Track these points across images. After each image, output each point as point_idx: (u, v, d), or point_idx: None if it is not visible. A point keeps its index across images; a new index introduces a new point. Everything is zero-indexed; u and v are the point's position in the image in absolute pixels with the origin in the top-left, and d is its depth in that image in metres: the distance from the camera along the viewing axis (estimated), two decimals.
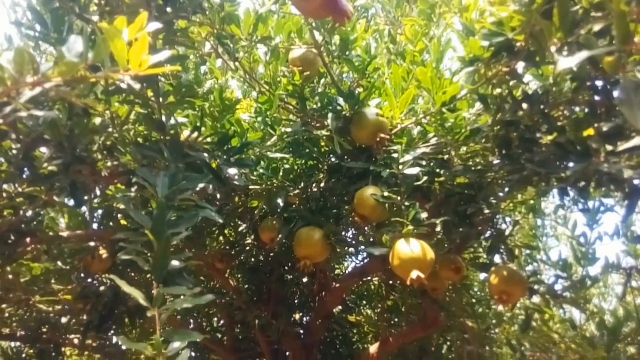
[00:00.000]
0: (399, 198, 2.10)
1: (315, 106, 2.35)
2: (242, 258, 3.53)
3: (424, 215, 2.07)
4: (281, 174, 2.52)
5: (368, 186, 2.18)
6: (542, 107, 1.78)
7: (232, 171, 1.97)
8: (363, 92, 2.26)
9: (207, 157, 1.95)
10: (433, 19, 2.33)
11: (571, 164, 1.52)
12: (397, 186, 2.15)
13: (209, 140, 2.08)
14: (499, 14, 1.58)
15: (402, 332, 3.59)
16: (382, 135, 2.22)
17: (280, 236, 2.39)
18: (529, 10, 1.42)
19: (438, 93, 1.93)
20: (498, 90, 1.97)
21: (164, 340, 1.27)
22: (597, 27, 1.15)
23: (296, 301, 3.77)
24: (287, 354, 3.62)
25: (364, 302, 3.93)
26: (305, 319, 3.82)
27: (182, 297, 1.36)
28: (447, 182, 2.36)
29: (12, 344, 3.88)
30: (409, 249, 1.93)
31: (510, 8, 1.52)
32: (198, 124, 2.06)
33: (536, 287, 2.31)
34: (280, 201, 2.42)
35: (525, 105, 1.71)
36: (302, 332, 3.70)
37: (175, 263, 1.48)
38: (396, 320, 3.79)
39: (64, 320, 3.02)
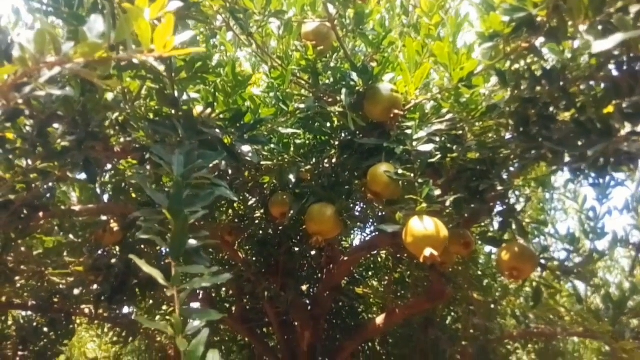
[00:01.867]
0: (412, 175, 2.09)
1: (327, 81, 2.32)
2: (251, 231, 3.54)
3: (437, 192, 2.07)
4: (292, 149, 2.51)
5: (381, 163, 2.17)
6: (561, 83, 1.75)
7: (245, 148, 1.96)
8: (377, 66, 2.23)
9: (220, 133, 1.94)
10: None
11: (591, 143, 1.50)
12: (410, 163, 2.14)
13: (221, 116, 2.07)
14: None
15: (408, 303, 3.64)
16: (396, 111, 2.20)
17: (291, 212, 2.39)
18: None
19: (455, 69, 1.90)
20: (515, 66, 1.94)
21: (183, 319, 1.28)
22: (634, 9, 1.11)
23: (304, 273, 3.81)
24: (295, 324, 3.68)
25: (371, 274, 3.96)
26: (312, 291, 3.86)
27: (200, 276, 1.36)
28: (460, 157, 2.35)
29: (24, 313, 3.95)
30: (422, 226, 1.93)
31: None
32: (210, 100, 2.04)
33: (546, 262, 2.31)
34: (292, 177, 2.41)
35: (543, 82, 1.68)
36: (309, 303, 3.74)
37: (192, 242, 1.48)
38: (402, 292, 3.83)
39: (75, 292, 3.06)
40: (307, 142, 2.53)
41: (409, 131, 2.21)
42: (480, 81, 1.99)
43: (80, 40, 0.98)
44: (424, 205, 1.97)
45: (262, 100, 2.32)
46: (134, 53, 0.94)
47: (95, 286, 2.95)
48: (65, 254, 2.81)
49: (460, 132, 2.15)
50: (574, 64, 1.83)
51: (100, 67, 0.98)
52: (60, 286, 3.02)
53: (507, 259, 2.21)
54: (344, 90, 2.14)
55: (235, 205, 3.31)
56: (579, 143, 1.65)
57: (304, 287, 3.91)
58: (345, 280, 3.88)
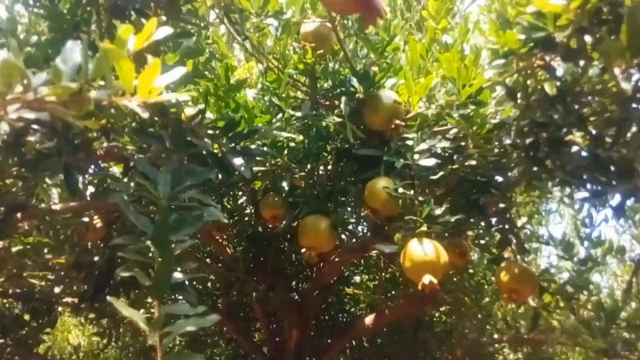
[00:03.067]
0: (412, 191, 1.99)
1: (326, 84, 2.19)
2: (240, 226, 3.44)
3: (438, 211, 1.97)
4: (286, 152, 2.38)
5: (380, 177, 2.06)
6: (575, 106, 1.64)
7: (238, 160, 1.83)
8: (379, 72, 2.10)
9: (211, 144, 1.81)
10: None
11: (610, 182, 1.41)
12: (411, 177, 2.04)
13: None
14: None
15: (398, 305, 3.58)
16: (397, 122, 2.08)
17: (284, 222, 2.29)
18: (582, 9, 1.26)
19: (465, 86, 1.78)
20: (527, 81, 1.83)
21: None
22: None
23: (294, 270, 3.73)
24: (283, 322, 3.62)
25: (361, 273, 3.89)
26: (301, 288, 3.78)
27: (185, 319, 1.26)
28: (460, 168, 2.24)
29: (4, 300, 3.83)
30: (422, 250, 1.84)
31: (558, 3, 1.35)
32: (202, 105, 1.91)
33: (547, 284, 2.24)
34: (284, 184, 2.30)
35: (558, 106, 1.57)
36: (298, 300, 3.67)
37: (177, 275, 1.38)
38: (393, 292, 3.77)
39: (57, 289, 2.95)
40: (302, 146, 2.40)
41: (410, 142, 2.10)
42: (488, 96, 1.88)
43: (52, 75, 0.86)
44: (424, 227, 1.88)
45: (255, 103, 2.18)
46: (113, 96, 0.81)
47: (77, 285, 2.84)
48: (45, 251, 2.68)
49: (463, 142, 2.03)
50: (585, 78, 1.72)
51: (75, 108, 0.86)
52: (40, 286, 2.91)
53: (506, 281, 2.13)
54: (343, 99, 2.01)
55: (224, 201, 3.20)
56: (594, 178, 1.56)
57: (293, 283, 3.84)
58: (334, 278, 3.80)
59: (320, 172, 2.40)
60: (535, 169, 1.75)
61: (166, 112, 1.80)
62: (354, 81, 2.11)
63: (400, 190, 1.94)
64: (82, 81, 0.86)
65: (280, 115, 2.11)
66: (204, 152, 1.77)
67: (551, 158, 1.74)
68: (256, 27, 1.92)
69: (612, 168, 1.45)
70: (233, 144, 1.87)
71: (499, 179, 2.18)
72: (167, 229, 1.41)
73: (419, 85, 1.97)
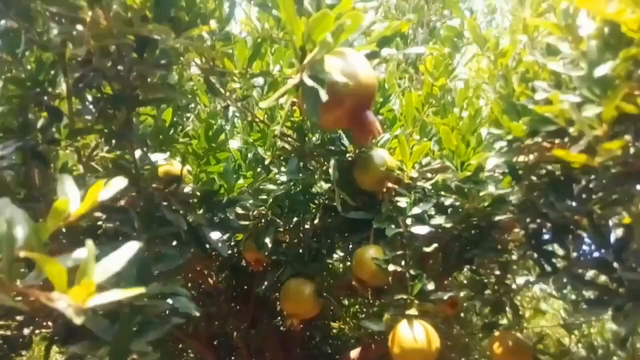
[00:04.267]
0: (403, 263, 1.87)
1: (315, 139, 2.04)
2: (223, 258, 3.30)
3: (431, 286, 1.84)
4: (270, 200, 2.23)
5: (369, 245, 1.93)
6: (583, 195, 1.51)
7: (215, 235, 1.68)
8: None
9: (185, 217, 1.65)
10: (459, 49, 1.98)
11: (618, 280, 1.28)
12: (403, 245, 1.90)
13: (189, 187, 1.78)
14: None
15: (385, 339, 3.47)
16: (390, 185, 1.94)
17: (265, 283, 2.15)
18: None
19: (464, 165, 1.64)
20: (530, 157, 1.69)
21: None
22: None
23: (278, 303, 3.60)
24: (266, 354, 3.50)
25: (348, 305, 3.78)
26: (285, 321, 3.66)
27: None
28: (455, 226, 2.11)
29: None
30: (412, 336, 1.71)
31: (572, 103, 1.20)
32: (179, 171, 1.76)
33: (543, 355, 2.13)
34: (268, 240, 2.15)
35: (571, 203, 1.44)
36: (282, 332, 3.56)
37: None
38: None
39: (26, 331, 2.79)
40: (288, 197, 2.25)
41: (402, 204, 1.96)
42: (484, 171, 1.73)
43: None
44: (414, 308, 1.75)
45: (239, 157, 2.02)
46: (41, 291, 0.66)
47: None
48: None
49: (458, 216, 1.89)
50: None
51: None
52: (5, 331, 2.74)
53: (500, 353, 2.02)
54: (332, 162, 1.87)
55: None
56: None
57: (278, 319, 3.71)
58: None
59: (307, 226, 2.25)
60: (536, 256, 1.62)
61: (138, 175, 1.64)
62: (344, 139, 1.96)
63: (391, 267, 1.80)
64: (6, 258, 0.70)
65: (264, 174, 1.96)
66: (177, 228, 1.61)
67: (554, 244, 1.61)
68: (241, 86, 1.76)
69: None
70: (209, 215, 1.72)
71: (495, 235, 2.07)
72: (128, 339, 1.27)
73: (414, 153, 1.83)
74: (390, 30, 1.19)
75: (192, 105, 2.12)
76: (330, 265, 2.21)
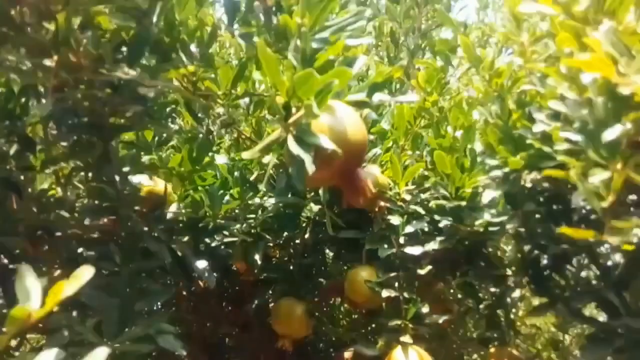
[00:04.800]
0: (397, 285, 1.82)
1: None
2: None
3: (425, 309, 1.80)
4: (260, 214, 2.16)
5: (362, 266, 1.87)
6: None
7: (201, 263, 1.62)
8: None
9: (170, 245, 1.58)
10: (451, 63, 1.90)
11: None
12: (396, 267, 1.85)
13: (173, 211, 1.72)
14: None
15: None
16: (382, 204, 1.88)
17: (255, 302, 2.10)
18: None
19: (459, 191, 1.58)
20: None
21: None
22: None
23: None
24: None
25: (341, 310, 3.73)
26: None
27: None
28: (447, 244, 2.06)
29: None
30: None
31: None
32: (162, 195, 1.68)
33: None
34: (257, 257, 2.08)
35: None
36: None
37: None
38: (374, 326, 3.62)
39: None
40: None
41: (395, 222, 1.90)
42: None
43: None
44: (408, 338, 1.70)
45: (226, 172, 1.95)
46: None
47: None
48: None
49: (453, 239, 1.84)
50: None
51: None
52: None
53: None
54: None
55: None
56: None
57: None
58: None
59: (297, 241, 2.19)
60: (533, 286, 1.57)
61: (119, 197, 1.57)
62: None
63: (385, 292, 1.75)
64: None
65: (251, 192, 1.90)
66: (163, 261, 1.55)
67: (555, 281, 1.57)
68: (225, 105, 1.68)
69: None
70: (195, 243, 1.66)
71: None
72: None
73: (407, 173, 1.76)
74: (381, 77, 1.11)
75: (175, 124, 2.04)
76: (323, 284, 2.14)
